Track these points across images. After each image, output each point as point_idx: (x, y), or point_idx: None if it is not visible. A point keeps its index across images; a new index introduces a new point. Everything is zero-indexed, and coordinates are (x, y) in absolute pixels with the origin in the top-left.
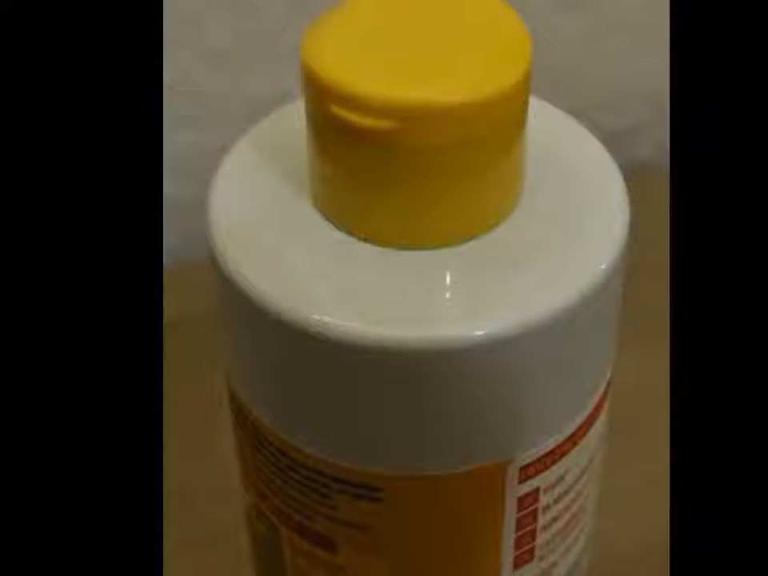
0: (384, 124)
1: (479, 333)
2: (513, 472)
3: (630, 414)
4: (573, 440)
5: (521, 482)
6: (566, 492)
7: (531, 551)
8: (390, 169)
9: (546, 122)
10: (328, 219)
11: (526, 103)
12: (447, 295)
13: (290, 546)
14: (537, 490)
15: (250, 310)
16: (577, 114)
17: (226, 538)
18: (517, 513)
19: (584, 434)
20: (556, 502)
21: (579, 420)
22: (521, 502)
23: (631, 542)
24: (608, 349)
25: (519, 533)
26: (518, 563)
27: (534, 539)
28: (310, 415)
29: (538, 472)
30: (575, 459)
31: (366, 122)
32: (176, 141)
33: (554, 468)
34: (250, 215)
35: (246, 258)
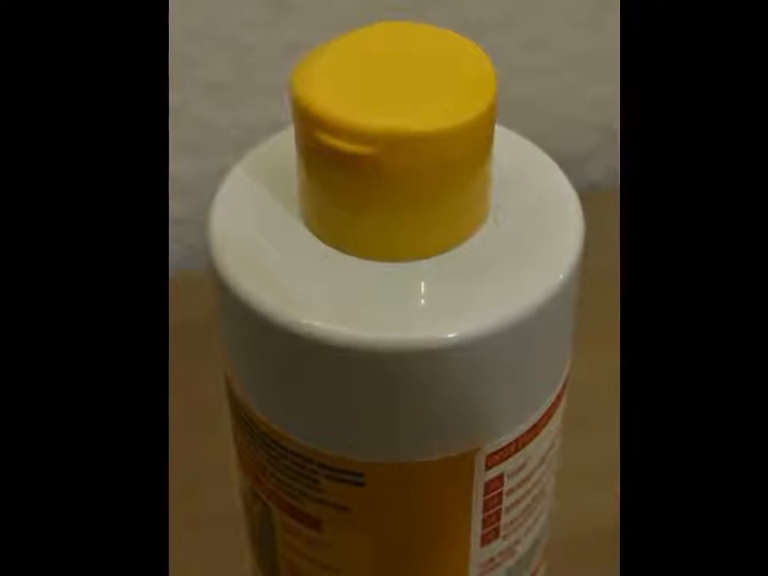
0: (365, 149)
1: (450, 335)
2: (480, 459)
3: (585, 407)
4: (533, 431)
5: (487, 468)
6: (528, 477)
7: (497, 530)
8: (370, 190)
9: (509, 148)
10: (316, 234)
11: (491, 131)
12: (422, 302)
13: (281, 524)
14: (501, 475)
15: (246, 316)
16: (537, 140)
17: (227, 518)
18: (484, 496)
19: (543, 426)
20: (518, 486)
21: (539, 413)
22: (487, 486)
23: (586, 523)
24: (565, 350)
25: (486, 513)
26: (485, 541)
27: (499, 519)
28: (299, 409)
29: (502, 459)
30: (535, 448)
31: (349, 147)
32: (181, 166)
33: (516, 455)
34: (246, 231)
35: (242, 269)
